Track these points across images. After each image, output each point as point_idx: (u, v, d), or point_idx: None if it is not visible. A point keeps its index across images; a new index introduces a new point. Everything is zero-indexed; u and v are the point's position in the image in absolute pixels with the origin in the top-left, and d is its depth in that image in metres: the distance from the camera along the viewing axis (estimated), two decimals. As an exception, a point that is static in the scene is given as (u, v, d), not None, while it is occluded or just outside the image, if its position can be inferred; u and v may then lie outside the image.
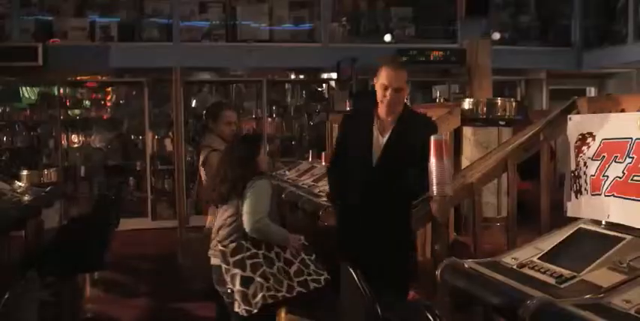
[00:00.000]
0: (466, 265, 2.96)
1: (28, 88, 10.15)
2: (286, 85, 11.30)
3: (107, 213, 6.14)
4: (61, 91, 10.09)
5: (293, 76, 11.07)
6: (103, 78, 10.40)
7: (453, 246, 4.35)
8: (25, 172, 8.07)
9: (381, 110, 3.74)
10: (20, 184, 7.12)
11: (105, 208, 6.30)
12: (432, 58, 10.11)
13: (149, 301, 6.37)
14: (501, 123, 5.06)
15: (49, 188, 7.15)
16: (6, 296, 2.46)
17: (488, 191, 4.46)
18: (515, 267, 2.88)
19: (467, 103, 5.18)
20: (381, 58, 3.97)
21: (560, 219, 3.39)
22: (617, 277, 2.47)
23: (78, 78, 10.28)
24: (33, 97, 10.27)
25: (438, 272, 2.98)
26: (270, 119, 10.87)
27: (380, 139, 3.74)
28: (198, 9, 10.33)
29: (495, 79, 10.47)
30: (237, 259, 3.63)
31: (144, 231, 9.54)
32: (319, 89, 11.39)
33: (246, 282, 3.59)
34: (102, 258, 5.63)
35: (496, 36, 10.91)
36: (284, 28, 10.63)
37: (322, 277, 3.75)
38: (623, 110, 3.19)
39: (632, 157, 2.95)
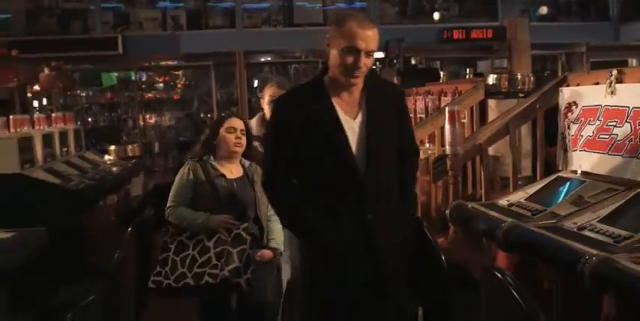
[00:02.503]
0: (470, 206, 3.85)
1: (108, 73, 11.33)
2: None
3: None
4: (137, 75, 11.25)
5: (346, 56, 11.95)
6: (174, 62, 11.50)
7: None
8: (112, 147, 9.19)
9: (344, 83, 2.65)
10: (109, 157, 8.25)
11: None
12: (474, 36, 10.88)
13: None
14: (520, 95, 5.83)
15: (133, 161, 8.28)
16: (117, 255, 2.93)
17: (508, 153, 5.23)
18: (506, 206, 3.75)
19: (491, 79, 5.96)
20: (341, 14, 2.74)
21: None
22: (573, 208, 3.34)
23: (152, 63, 11.40)
24: (112, 82, 11.46)
25: (447, 211, 3.87)
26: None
27: (352, 125, 2.68)
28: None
29: (537, 54, 11.16)
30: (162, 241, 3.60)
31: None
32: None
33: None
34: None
35: (543, 10, 11.63)
36: (337, 7, 11.53)
37: (221, 273, 3.40)
38: (597, 83, 3.98)
39: (600, 120, 3.78)
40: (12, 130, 5.73)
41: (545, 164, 4.86)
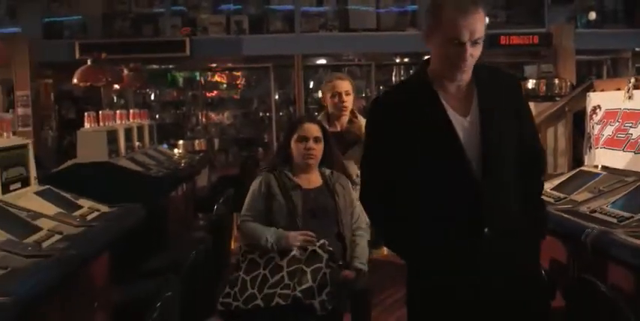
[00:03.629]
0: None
1: (176, 73, 12.17)
2: (392, 68, 12.87)
3: (250, 173, 7.96)
4: (202, 76, 12.06)
5: (397, 60, 12.58)
6: (237, 64, 12.27)
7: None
8: (181, 142, 9.98)
9: (450, 77, 2.29)
10: (178, 150, 9.02)
11: (247, 170, 8.12)
12: (519, 42, 11.38)
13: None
14: (557, 99, 6.39)
15: (201, 154, 9.04)
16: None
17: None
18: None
19: (530, 83, 6.55)
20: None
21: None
22: (589, 196, 3.92)
23: (216, 65, 12.19)
24: (179, 81, 12.30)
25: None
26: (378, 97, 12.46)
27: (464, 124, 2.28)
28: (316, 1, 12.00)
29: (584, 59, 11.65)
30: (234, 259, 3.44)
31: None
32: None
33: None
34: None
35: (592, 15, 12.10)
36: (391, 10, 12.15)
37: (293, 293, 3.11)
38: (618, 89, 4.53)
39: (619, 121, 4.34)
40: (101, 123, 6.50)
41: (579, 161, 5.43)
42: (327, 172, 3.55)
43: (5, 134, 4.03)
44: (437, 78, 2.35)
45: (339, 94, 4.21)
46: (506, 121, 2.34)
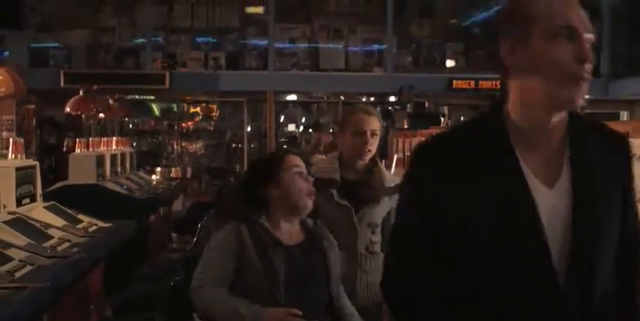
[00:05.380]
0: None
1: (154, 104, 12.87)
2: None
3: (224, 201, 8.62)
4: (179, 107, 12.79)
5: (364, 99, 13.42)
6: (212, 98, 13.00)
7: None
8: (158, 169, 10.57)
9: (540, 121, 1.55)
10: (156, 177, 9.64)
11: (221, 197, 8.79)
12: (480, 86, 12.28)
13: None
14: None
15: (177, 181, 9.68)
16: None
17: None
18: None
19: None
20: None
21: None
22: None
23: (192, 97, 12.91)
24: (157, 112, 13.00)
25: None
26: (344, 133, 13.30)
27: (548, 197, 1.55)
28: (289, 42, 12.83)
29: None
30: None
31: (240, 220, 12.01)
32: (389, 108, 13.70)
33: None
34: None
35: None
36: (359, 50, 13.02)
37: None
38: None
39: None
40: (90, 149, 7.12)
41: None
42: (311, 222, 2.67)
43: (19, 156, 4.67)
44: (516, 126, 1.57)
45: (363, 134, 3.14)
46: (610, 200, 1.59)
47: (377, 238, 3.12)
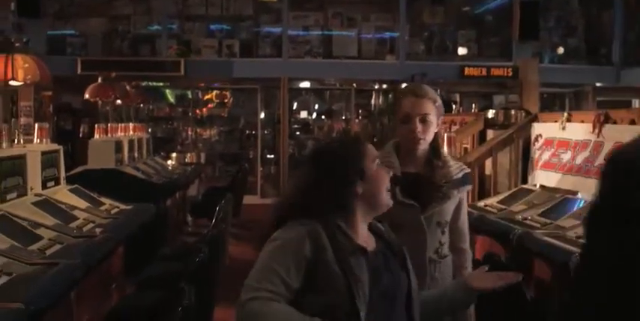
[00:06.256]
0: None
1: (169, 91, 13.04)
2: (371, 93, 13.85)
3: (242, 185, 8.82)
4: (193, 94, 12.95)
5: (376, 86, 13.53)
6: (226, 85, 13.15)
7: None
8: (174, 154, 10.79)
9: None
10: (172, 162, 9.83)
11: (238, 181, 8.97)
12: (491, 74, 12.38)
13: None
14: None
15: (192, 166, 9.86)
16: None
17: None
18: (482, 206, 5.22)
19: (490, 113, 7.42)
20: None
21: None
22: (524, 207, 4.79)
23: (207, 84, 13.06)
24: (172, 99, 13.17)
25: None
26: (357, 120, 13.45)
27: None
28: (302, 30, 12.95)
29: (547, 91, 12.66)
30: None
31: (254, 205, 12.12)
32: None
33: None
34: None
35: (560, 50, 13.20)
36: (371, 37, 13.13)
37: None
38: (556, 121, 5.43)
39: (554, 148, 5.25)
40: (109, 135, 7.31)
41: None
42: (379, 224, 2.20)
43: (45, 140, 4.85)
44: None
45: (411, 120, 2.66)
46: None
47: (446, 238, 2.74)
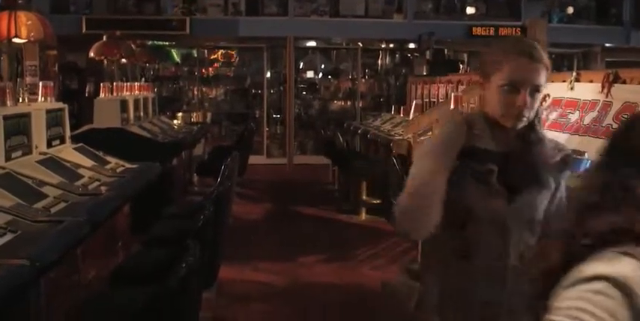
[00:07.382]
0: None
1: (174, 50, 12.95)
2: (378, 53, 13.72)
3: (248, 143, 8.81)
4: (199, 53, 12.86)
5: (383, 46, 13.40)
6: (232, 44, 13.04)
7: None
8: (180, 114, 10.77)
9: None
10: (177, 121, 9.82)
11: (244, 140, 8.97)
12: (499, 33, 12.23)
13: (269, 204, 9.02)
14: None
15: (199, 126, 9.85)
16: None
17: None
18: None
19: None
20: None
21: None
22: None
23: (213, 43, 12.96)
24: (177, 58, 13.09)
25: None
26: (363, 80, 13.37)
27: None
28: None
29: (557, 52, 12.52)
30: None
31: (260, 165, 12.14)
32: (409, 55, 13.70)
33: None
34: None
35: (570, 10, 13.03)
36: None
37: None
38: (564, 81, 5.38)
39: (562, 108, 5.20)
40: (114, 94, 7.27)
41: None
42: None
43: (49, 99, 4.83)
44: None
45: (518, 90, 2.02)
46: None
47: (534, 240, 2.06)
